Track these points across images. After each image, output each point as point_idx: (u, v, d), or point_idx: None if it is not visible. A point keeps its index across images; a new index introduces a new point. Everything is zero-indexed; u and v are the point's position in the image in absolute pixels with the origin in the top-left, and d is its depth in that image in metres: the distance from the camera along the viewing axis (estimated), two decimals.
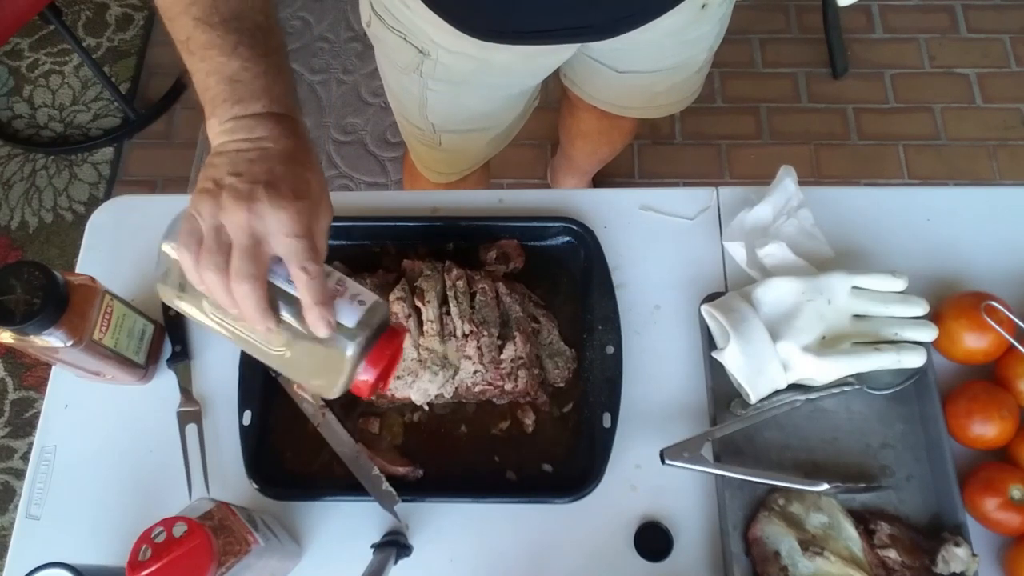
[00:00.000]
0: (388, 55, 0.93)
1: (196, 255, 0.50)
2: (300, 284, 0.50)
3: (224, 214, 0.49)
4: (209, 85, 0.54)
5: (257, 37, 0.55)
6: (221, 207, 0.49)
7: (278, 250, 0.50)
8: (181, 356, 0.82)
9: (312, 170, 0.54)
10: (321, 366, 0.54)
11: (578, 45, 0.91)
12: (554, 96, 1.05)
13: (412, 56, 0.87)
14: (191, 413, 0.80)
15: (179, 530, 0.59)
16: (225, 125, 0.53)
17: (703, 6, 0.85)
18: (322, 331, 0.51)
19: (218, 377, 0.82)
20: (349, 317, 0.53)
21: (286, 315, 0.52)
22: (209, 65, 0.54)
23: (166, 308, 0.84)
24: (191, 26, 0.54)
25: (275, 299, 0.52)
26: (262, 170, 0.51)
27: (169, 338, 0.84)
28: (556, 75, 1.05)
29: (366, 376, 0.54)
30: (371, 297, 0.55)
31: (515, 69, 0.92)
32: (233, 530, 0.63)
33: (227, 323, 0.55)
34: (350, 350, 0.53)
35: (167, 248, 0.53)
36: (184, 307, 0.56)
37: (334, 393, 0.56)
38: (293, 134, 0.54)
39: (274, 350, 0.54)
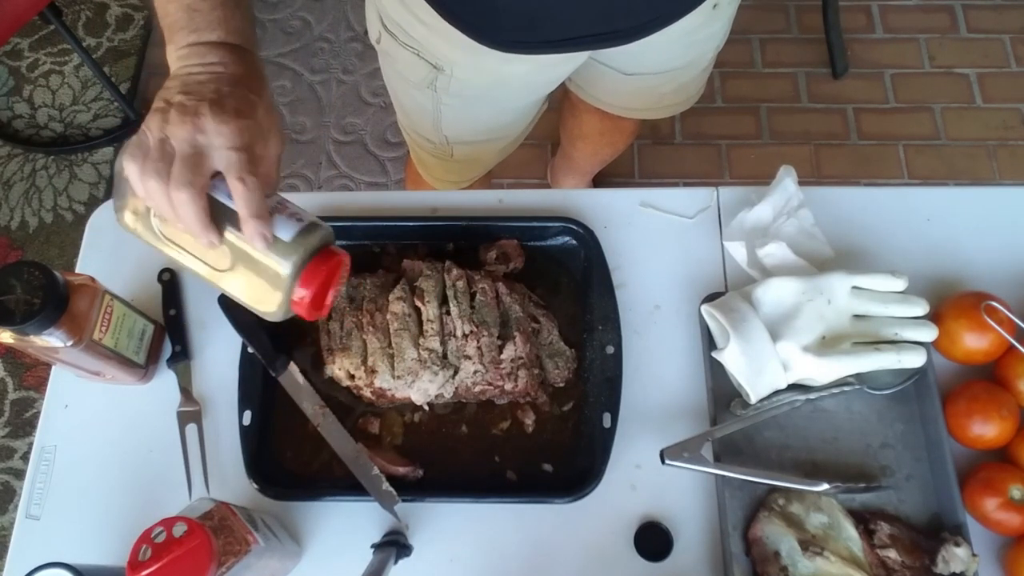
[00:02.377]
0: (400, 71, 0.92)
1: (142, 165, 0.52)
2: (237, 195, 0.52)
3: (169, 127, 0.52)
4: (168, 11, 0.57)
5: None
6: (167, 121, 0.52)
7: (218, 163, 0.53)
8: (181, 356, 0.82)
9: (260, 96, 0.56)
10: (261, 285, 0.56)
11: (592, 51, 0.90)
12: (555, 97, 1.05)
13: (426, 72, 0.87)
14: (191, 413, 0.80)
15: (179, 530, 0.59)
16: (181, 51, 0.56)
17: (715, 6, 0.85)
18: (258, 243, 0.53)
19: (218, 377, 0.82)
20: (286, 232, 0.55)
21: (230, 234, 0.54)
22: None
23: (166, 307, 0.85)
24: None
25: (220, 217, 0.54)
26: (209, 90, 0.53)
27: (169, 338, 0.84)
28: None
29: (301, 293, 0.56)
30: (311, 217, 0.57)
31: (531, 80, 0.91)
32: (233, 530, 0.63)
33: (176, 242, 0.57)
34: (286, 268, 0.55)
35: (118, 165, 0.55)
36: (139, 229, 0.58)
37: (276, 314, 0.57)
38: (244, 63, 0.57)
39: (219, 269, 0.57)
